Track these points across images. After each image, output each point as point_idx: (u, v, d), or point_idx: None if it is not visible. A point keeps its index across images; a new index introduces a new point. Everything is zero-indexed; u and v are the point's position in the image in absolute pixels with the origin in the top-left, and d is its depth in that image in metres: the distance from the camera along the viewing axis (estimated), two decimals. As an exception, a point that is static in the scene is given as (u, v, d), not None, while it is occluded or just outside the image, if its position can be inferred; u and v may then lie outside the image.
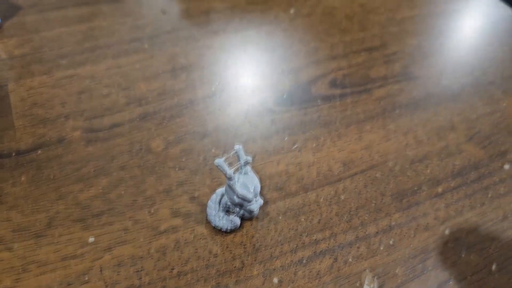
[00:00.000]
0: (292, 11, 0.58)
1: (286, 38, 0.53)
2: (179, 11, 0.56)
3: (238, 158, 0.33)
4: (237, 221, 0.34)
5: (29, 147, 0.39)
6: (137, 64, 0.48)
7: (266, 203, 0.37)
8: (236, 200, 0.33)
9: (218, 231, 0.35)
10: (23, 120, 0.42)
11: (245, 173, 0.33)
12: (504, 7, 0.62)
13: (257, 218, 0.36)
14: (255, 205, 0.33)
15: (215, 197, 0.35)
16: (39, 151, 0.39)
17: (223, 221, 0.34)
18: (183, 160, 0.40)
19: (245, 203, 0.33)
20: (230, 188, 0.32)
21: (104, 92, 0.45)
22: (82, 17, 0.53)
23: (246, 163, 0.33)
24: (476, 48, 0.55)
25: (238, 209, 0.34)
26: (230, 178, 0.32)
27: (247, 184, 0.33)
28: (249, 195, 0.32)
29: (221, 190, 0.35)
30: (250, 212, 0.34)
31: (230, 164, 0.32)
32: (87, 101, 0.44)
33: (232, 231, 0.35)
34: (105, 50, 0.49)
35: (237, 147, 0.33)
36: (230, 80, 0.47)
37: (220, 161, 0.31)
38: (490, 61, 0.53)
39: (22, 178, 0.37)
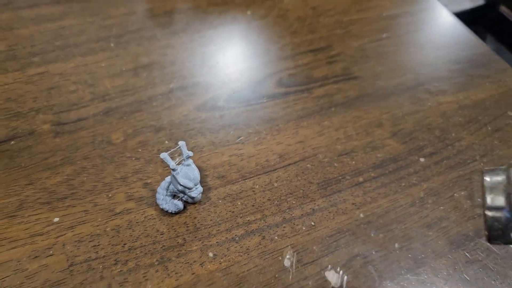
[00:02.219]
0: (249, 12, 0.63)
1: (242, 39, 0.59)
2: (144, 11, 0.61)
3: (182, 152, 0.39)
4: (180, 204, 0.40)
5: (3, 138, 0.45)
6: (103, 62, 0.53)
7: (209, 189, 0.43)
8: (179, 187, 0.39)
9: (166, 213, 0.41)
10: (-2, 114, 0.47)
11: (188, 165, 0.39)
12: (447, 13, 0.68)
13: (200, 202, 0.42)
14: (195, 192, 0.39)
15: (164, 183, 0.41)
16: (12, 142, 0.45)
17: (169, 205, 0.40)
18: (139, 151, 0.45)
19: (187, 190, 0.39)
20: (174, 177, 0.38)
21: (71, 88, 0.50)
22: (53, 15, 0.58)
23: (188, 157, 0.39)
24: (413, 51, 0.61)
25: (182, 194, 0.40)
26: (173, 170, 0.38)
27: (189, 174, 0.39)
28: (190, 184, 0.39)
29: (170, 177, 0.41)
30: (192, 198, 0.40)
31: (179, 155, 0.38)
32: (56, 97, 0.49)
33: (177, 213, 0.41)
34: (73, 48, 0.54)
35: (181, 143, 0.39)
36: (187, 78, 0.53)
37: (164, 154, 0.37)
38: (423, 63, 0.59)
39: (-3, 166, 0.43)
